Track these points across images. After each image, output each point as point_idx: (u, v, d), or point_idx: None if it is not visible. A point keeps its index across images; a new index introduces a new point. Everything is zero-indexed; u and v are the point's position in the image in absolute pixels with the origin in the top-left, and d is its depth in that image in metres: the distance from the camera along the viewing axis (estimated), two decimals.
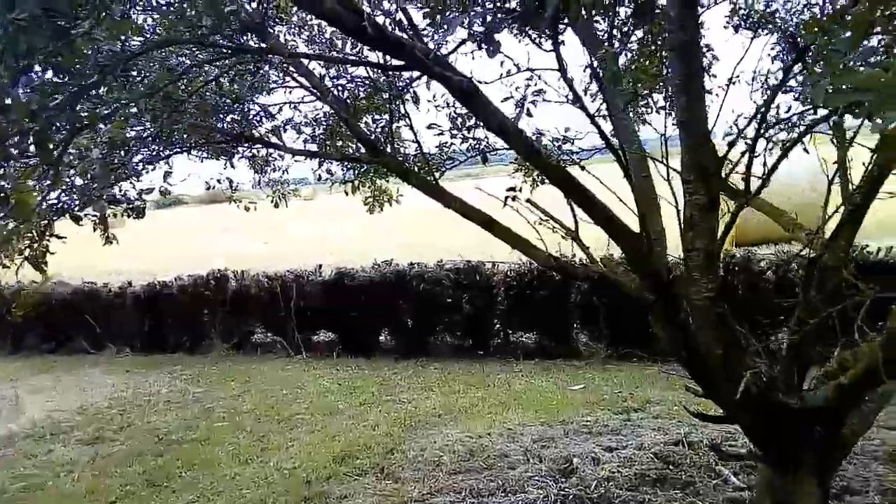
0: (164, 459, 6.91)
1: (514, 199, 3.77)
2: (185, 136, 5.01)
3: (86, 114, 3.16)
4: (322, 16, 3.33)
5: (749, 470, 5.16)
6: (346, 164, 6.45)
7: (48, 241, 4.36)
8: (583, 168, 3.82)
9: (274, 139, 5.64)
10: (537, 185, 4.45)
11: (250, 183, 9.41)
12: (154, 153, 4.86)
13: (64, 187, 4.03)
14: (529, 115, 3.60)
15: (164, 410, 8.82)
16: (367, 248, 18.45)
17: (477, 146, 4.70)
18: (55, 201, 4.03)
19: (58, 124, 2.96)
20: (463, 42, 3.47)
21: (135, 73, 3.62)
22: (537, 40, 3.71)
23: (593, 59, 5.06)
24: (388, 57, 3.87)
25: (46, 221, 4.15)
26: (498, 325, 10.66)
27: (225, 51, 3.92)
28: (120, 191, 5.10)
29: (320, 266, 12.28)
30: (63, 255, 5.83)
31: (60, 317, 13.11)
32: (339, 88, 5.12)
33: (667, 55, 5.86)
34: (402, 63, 3.58)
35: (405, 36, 3.52)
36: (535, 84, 3.90)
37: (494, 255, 10.37)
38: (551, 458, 5.92)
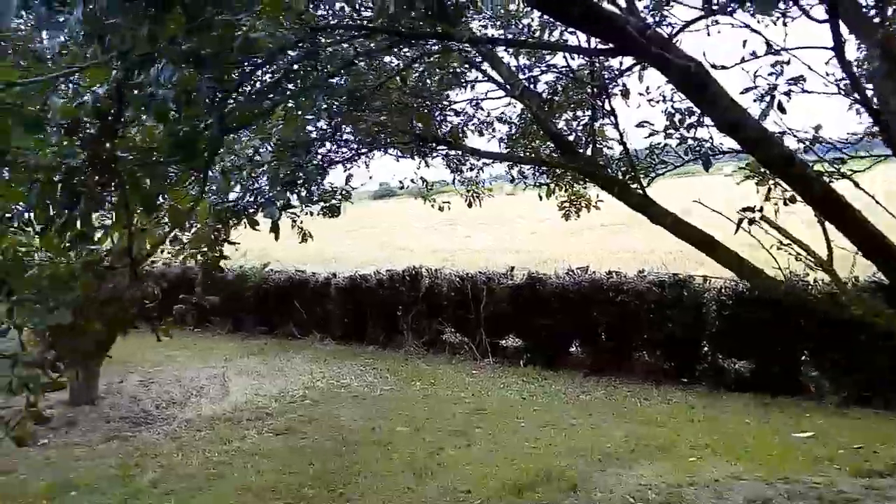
0: (344, 461, 6.73)
1: (751, 221, 2.81)
2: (368, 136, 4.61)
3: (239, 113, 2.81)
4: None
5: None
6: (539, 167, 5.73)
7: (221, 243, 4.17)
8: (856, 184, 2.75)
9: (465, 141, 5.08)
10: (783, 204, 3.41)
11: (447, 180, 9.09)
12: (337, 153, 4.51)
13: (238, 190, 3.80)
14: (782, 110, 2.62)
15: (352, 405, 8.77)
16: (562, 252, 17.65)
17: (698, 148, 3.74)
18: (231, 203, 3.81)
19: (205, 124, 2.62)
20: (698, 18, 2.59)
21: (300, 66, 3.19)
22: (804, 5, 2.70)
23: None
24: (593, 41, 3.09)
25: (220, 225, 3.95)
26: (706, 349, 9.30)
27: (404, 38, 3.38)
28: (306, 191, 4.84)
29: (511, 269, 11.73)
30: (283, 241, 5.92)
31: (274, 302, 13.91)
32: (533, 82, 4.40)
33: None
34: (611, 46, 2.79)
35: (616, 10, 2.73)
36: (786, 71, 2.90)
37: (704, 266, 9.09)
38: None
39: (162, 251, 6.73)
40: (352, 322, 12.94)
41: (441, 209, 9.45)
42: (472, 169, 8.71)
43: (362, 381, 10.00)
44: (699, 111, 3.26)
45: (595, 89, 4.31)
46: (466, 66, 4.64)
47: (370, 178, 7.93)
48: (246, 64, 2.71)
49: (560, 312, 10.25)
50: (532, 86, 4.33)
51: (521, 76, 4.36)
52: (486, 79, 4.64)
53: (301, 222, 6.92)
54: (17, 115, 2.27)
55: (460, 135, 5.71)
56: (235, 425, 7.99)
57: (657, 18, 2.75)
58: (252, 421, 8.13)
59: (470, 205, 9.21)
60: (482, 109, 5.14)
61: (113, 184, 2.58)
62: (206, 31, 2.47)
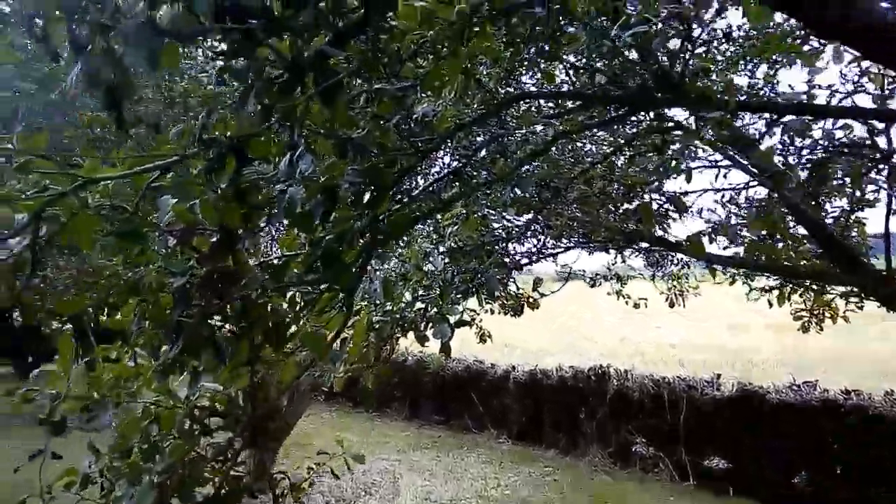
0: None
1: None
2: (563, 232, 3.70)
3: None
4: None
5: None
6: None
7: (386, 360, 3.42)
8: None
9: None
10: None
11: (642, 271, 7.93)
12: (524, 254, 3.64)
13: (406, 299, 3.04)
14: None
15: None
16: (770, 353, 15.18)
17: None
18: (396, 317, 3.06)
19: (357, 230, 1.87)
20: None
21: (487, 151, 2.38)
22: None
23: None
24: None
25: (384, 342, 3.21)
26: None
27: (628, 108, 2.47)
28: (485, 296, 4.01)
29: (718, 376, 9.99)
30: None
31: (451, 391, 13.20)
32: (798, 158, 3.22)
33: None
34: None
35: None
36: None
37: None
38: None
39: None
40: (530, 420, 11.77)
41: (637, 306, 8.28)
42: (675, 263, 7.47)
43: (540, 496, 8.75)
44: None
45: (874, 161, 3.08)
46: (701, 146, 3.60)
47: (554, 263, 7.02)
48: (414, 147, 1.95)
49: (782, 435, 8.36)
50: (798, 163, 3.16)
51: (779, 158, 3.21)
52: (727, 162, 3.55)
53: (480, 320, 6.15)
54: (109, 220, 1.68)
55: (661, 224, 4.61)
56: None
57: None
58: None
59: (672, 304, 7.90)
60: (728, 204, 3.99)
61: (230, 310, 1.91)
62: (358, 106, 1.75)
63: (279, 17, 1.37)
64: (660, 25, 1.99)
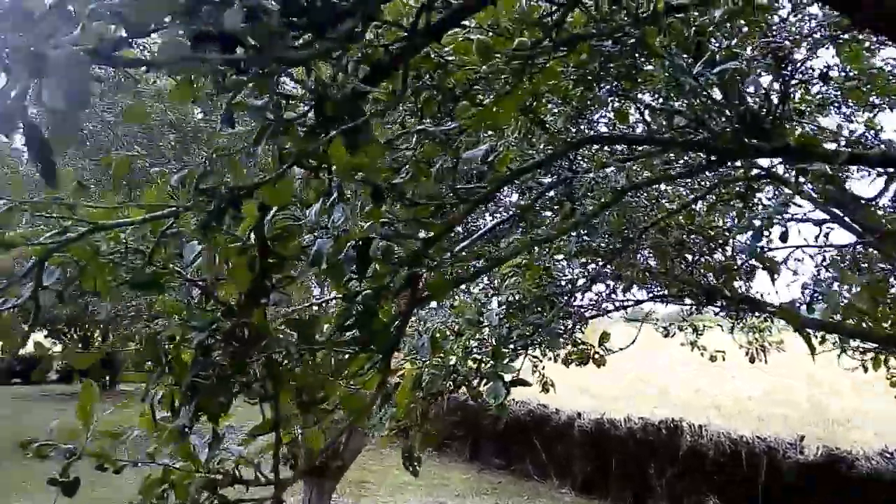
0: None
1: None
2: (633, 284, 3.37)
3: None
4: None
5: None
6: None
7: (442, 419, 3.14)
8: None
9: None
10: None
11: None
12: (590, 307, 3.33)
13: (457, 355, 2.79)
14: None
15: None
16: (852, 412, 13.88)
17: None
18: (447, 372, 2.81)
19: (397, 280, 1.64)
20: None
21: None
22: None
23: None
24: None
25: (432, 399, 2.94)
26: None
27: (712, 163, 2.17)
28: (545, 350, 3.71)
29: (801, 438, 9.17)
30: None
31: (513, 435, 12.73)
32: None
33: None
34: None
35: None
36: None
37: None
38: None
39: None
40: (595, 471, 11.14)
41: (713, 359, 7.75)
42: (756, 316, 6.89)
43: None
44: None
45: None
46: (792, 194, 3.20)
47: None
48: (460, 197, 1.71)
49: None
50: None
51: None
52: (822, 215, 3.14)
53: (542, 367, 5.83)
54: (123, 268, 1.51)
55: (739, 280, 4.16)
56: None
57: None
58: None
59: (752, 360, 7.33)
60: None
61: (254, 370, 1.71)
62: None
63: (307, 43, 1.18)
64: (753, 62, 1.70)
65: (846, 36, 2.91)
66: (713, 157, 1.95)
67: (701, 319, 6.95)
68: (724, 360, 7.39)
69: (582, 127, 3.63)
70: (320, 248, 1.46)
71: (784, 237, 2.40)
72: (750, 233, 2.12)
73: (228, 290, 1.76)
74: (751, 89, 2.00)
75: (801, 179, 1.88)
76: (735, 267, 3.04)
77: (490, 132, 2.52)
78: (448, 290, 1.85)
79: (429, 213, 1.60)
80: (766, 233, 2.20)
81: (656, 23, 1.59)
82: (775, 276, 2.54)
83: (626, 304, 3.75)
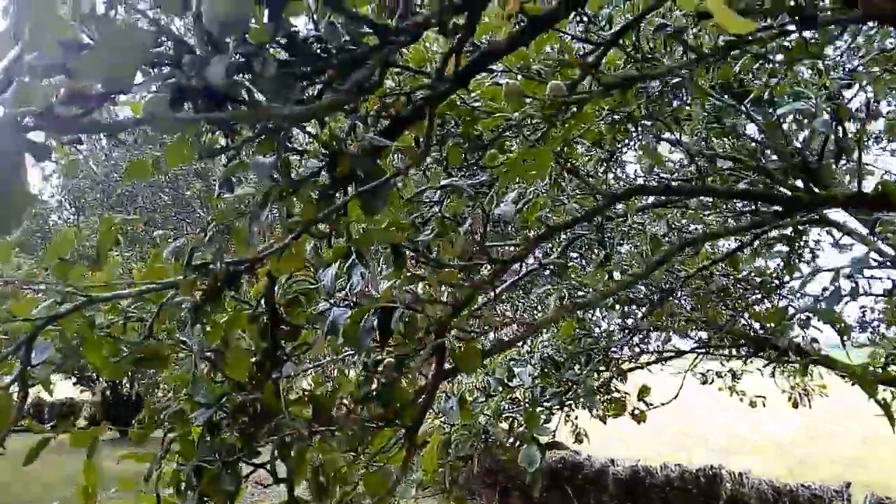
0: None
1: None
2: (674, 334, 3.15)
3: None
4: None
5: None
6: None
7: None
8: None
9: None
10: None
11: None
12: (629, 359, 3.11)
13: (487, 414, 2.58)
14: None
15: None
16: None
17: None
18: (479, 431, 2.61)
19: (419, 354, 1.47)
20: None
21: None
22: None
23: None
24: None
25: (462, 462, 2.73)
26: None
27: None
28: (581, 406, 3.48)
29: (848, 486, 8.66)
30: None
31: (544, 482, 12.25)
32: None
33: None
34: None
35: None
36: None
37: None
38: None
39: None
40: None
41: (753, 405, 7.45)
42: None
43: None
44: None
45: None
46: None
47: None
48: (491, 258, 1.54)
49: None
50: None
51: None
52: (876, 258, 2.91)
53: (576, 418, 5.59)
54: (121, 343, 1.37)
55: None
56: None
57: None
58: None
59: (795, 405, 6.98)
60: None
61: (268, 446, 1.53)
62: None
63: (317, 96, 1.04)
64: (819, 102, 1.52)
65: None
66: (778, 208, 1.76)
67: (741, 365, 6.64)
68: (764, 405, 7.10)
69: (612, 167, 3.48)
70: (336, 321, 1.29)
71: (854, 294, 2.17)
72: (820, 289, 1.91)
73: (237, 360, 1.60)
74: (820, 129, 1.82)
75: (877, 230, 1.69)
76: (788, 317, 2.80)
77: (518, 181, 2.36)
78: (478, 362, 1.68)
79: (457, 277, 1.43)
80: (843, 295, 1.98)
81: (716, 62, 1.43)
82: (845, 338, 2.32)
83: (666, 355, 3.52)
